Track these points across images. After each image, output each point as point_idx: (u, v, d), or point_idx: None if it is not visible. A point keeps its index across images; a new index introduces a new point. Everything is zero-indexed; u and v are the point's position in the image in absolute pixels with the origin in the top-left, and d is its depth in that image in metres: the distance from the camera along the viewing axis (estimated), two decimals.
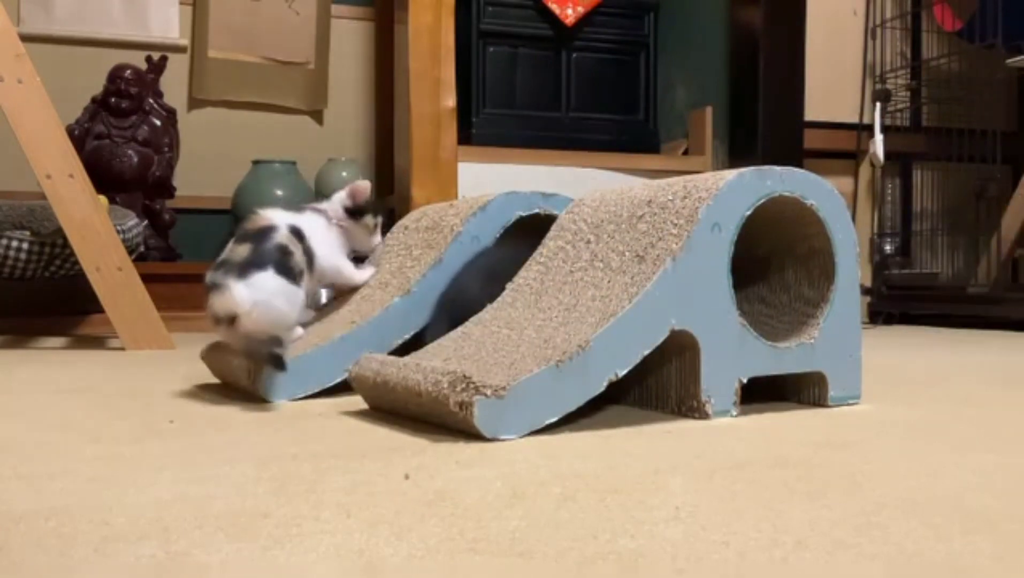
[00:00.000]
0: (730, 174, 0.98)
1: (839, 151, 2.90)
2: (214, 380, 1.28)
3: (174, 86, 3.04)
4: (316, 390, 1.13)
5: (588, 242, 1.07)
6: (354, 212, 1.30)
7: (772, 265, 1.13)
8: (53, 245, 1.97)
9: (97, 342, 2.04)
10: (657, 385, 1.01)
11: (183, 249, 2.96)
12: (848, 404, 1.05)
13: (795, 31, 2.78)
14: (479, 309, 1.10)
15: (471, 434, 0.84)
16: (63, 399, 1.16)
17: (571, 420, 0.89)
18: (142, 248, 2.32)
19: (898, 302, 2.78)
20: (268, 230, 1.16)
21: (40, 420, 0.99)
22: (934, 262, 2.91)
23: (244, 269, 1.09)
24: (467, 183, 2.46)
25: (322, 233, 1.26)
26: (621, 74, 3.06)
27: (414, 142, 2.35)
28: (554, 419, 0.87)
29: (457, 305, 1.16)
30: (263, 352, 1.06)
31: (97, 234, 1.82)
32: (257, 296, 1.07)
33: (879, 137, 2.79)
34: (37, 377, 1.40)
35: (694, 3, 3.08)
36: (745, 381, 0.98)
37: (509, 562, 0.49)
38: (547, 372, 0.86)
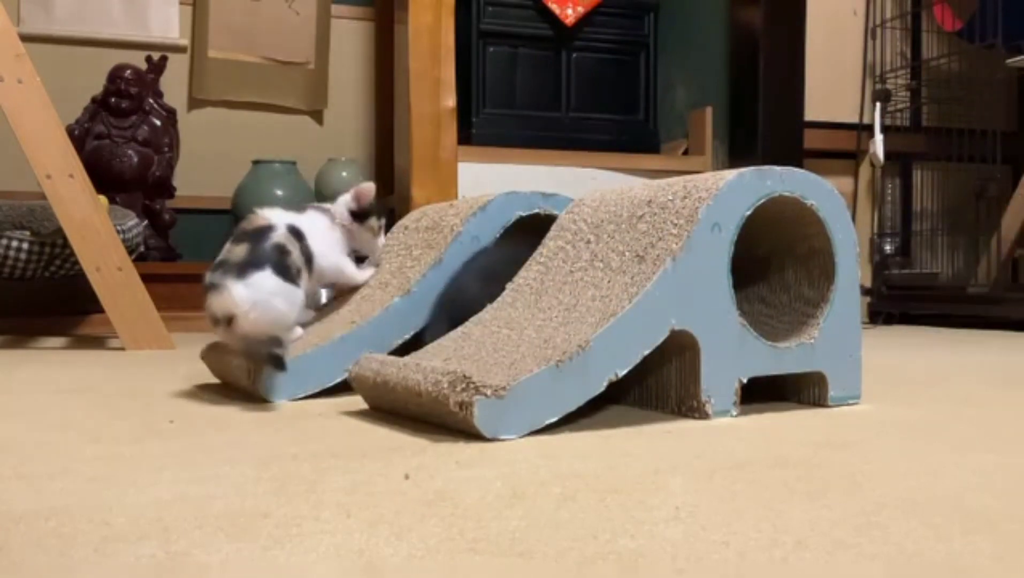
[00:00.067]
0: (730, 174, 0.98)
1: (839, 151, 2.90)
2: (214, 380, 1.28)
3: (174, 86, 3.04)
4: (316, 390, 1.13)
5: (588, 242, 1.07)
6: (359, 215, 1.29)
7: (772, 265, 1.13)
8: (53, 245, 1.97)
9: (97, 342, 2.04)
10: (657, 385, 1.01)
11: (183, 249, 2.96)
12: (848, 404, 1.05)
13: (795, 31, 2.78)
14: (479, 309, 1.10)
15: (471, 434, 0.84)
16: (63, 399, 1.16)
17: (571, 420, 0.89)
18: (142, 248, 2.32)
19: (898, 302, 2.78)
20: (265, 230, 1.15)
21: (40, 420, 0.99)
22: (934, 262, 2.91)
23: (242, 269, 1.09)
24: (467, 183, 2.46)
25: (323, 232, 1.26)
26: (621, 74, 3.06)
27: (414, 142, 2.35)
28: (554, 419, 0.87)
29: (457, 305, 1.16)
30: (262, 352, 1.06)
31: (97, 234, 1.82)
32: (255, 296, 1.07)
33: (879, 137, 2.79)
34: (37, 377, 1.40)
35: (694, 3, 3.08)
36: (745, 381, 0.98)
37: (509, 562, 0.49)
38: (547, 372, 0.86)
